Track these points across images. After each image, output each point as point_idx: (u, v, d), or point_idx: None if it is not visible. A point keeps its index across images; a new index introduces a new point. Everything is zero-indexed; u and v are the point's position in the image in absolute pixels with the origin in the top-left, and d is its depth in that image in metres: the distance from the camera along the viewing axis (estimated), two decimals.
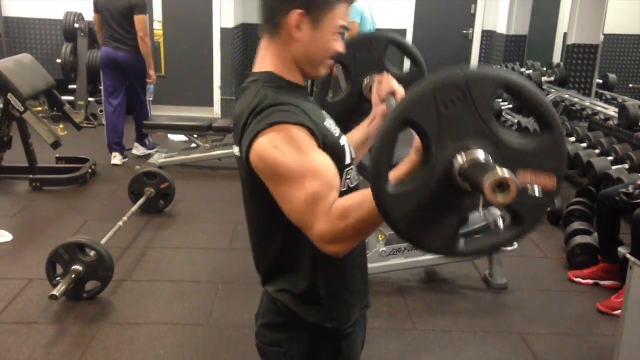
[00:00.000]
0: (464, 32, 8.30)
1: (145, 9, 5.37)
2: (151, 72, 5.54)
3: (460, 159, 0.95)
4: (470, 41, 8.34)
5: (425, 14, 8.38)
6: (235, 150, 1.27)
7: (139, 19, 5.27)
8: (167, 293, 3.28)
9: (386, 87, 1.41)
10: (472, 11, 8.25)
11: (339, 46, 1.28)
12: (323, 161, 1.16)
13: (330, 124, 1.30)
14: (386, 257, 3.34)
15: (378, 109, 1.46)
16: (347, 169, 1.28)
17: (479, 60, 8.39)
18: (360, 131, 1.50)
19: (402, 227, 1.01)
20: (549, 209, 4.23)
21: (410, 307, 3.22)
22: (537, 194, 0.96)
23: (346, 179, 1.28)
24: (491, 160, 0.95)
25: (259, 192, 1.21)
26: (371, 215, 1.06)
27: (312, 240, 1.14)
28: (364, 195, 1.07)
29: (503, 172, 0.88)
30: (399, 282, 3.47)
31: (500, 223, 0.98)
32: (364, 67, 1.62)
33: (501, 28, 7.73)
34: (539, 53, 7.38)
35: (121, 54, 5.36)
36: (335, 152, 1.22)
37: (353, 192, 1.21)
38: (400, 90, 1.41)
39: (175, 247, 3.87)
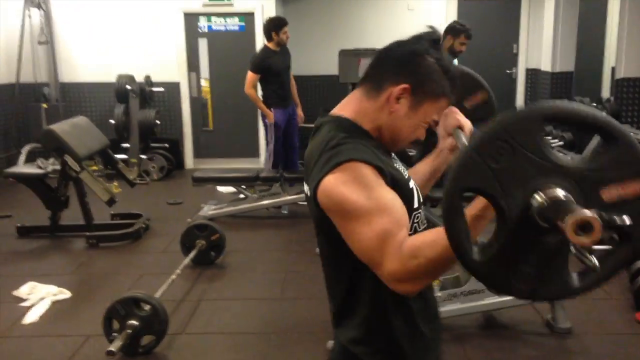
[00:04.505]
0: (508, 71, 8.26)
1: (252, 66, 5.77)
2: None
3: (539, 198, 0.91)
4: (515, 80, 8.28)
5: (467, 56, 8.36)
6: (306, 188, 1.28)
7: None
8: (221, 346, 3.27)
9: (452, 121, 1.40)
10: (514, 50, 8.23)
11: (422, 135, 1.30)
12: (391, 197, 1.14)
13: (399, 166, 1.30)
14: (442, 303, 3.24)
15: (445, 143, 1.45)
16: (415, 212, 1.26)
17: (525, 99, 8.30)
18: (426, 164, 1.49)
19: (507, 290, 0.99)
20: None
21: (470, 355, 3.10)
22: (627, 222, 0.91)
23: (414, 222, 1.26)
24: (570, 197, 0.90)
25: (328, 231, 1.20)
26: (444, 255, 1.02)
27: (382, 279, 1.11)
28: (437, 234, 1.04)
29: (584, 213, 0.83)
30: (456, 329, 3.36)
31: (594, 260, 0.92)
32: None
33: (545, 66, 7.65)
34: (587, 89, 7.24)
35: None
36: (404, 194, 1.20)
37: None
38: (467, 124, 1.39)
39: (227, 298, 3.87)
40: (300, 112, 6.07)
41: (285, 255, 4.67)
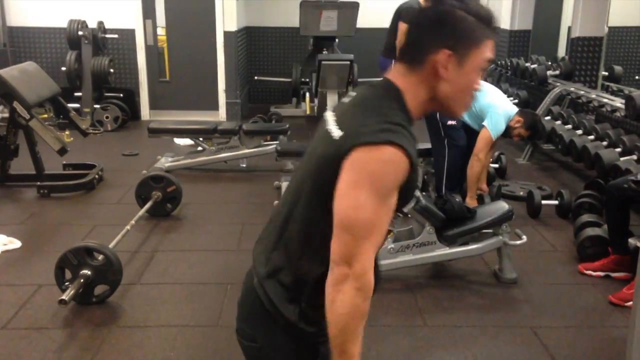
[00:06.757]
0: None
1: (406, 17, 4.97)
2: None
3: None
4: None
5: None
6: (335, 130, 1.22)
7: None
8: (177, 295, 3.28)
9: None
10: None
11: (479, 83, 1.28)
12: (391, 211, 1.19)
13: None
14: (394, 254, 3.32)
15: None
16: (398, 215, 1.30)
17: None
18: None
19: None
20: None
21: (421, 304, 3.20)
22: None
23: (392, 222, 1.29)
24: None
25: (332, 179, 1.18)
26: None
27: (334, 253, 1.15)
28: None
29: None
30: (408, 279, 3.46)
31: None
32: None
33: (504, 24, 7.70)
34: (544, 47, 7.34)
35: None
36: (408, 195, 1.24)
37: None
38: None
39: (183, 249, 3.87)
40: None
41: (243, 208, 4.67)
